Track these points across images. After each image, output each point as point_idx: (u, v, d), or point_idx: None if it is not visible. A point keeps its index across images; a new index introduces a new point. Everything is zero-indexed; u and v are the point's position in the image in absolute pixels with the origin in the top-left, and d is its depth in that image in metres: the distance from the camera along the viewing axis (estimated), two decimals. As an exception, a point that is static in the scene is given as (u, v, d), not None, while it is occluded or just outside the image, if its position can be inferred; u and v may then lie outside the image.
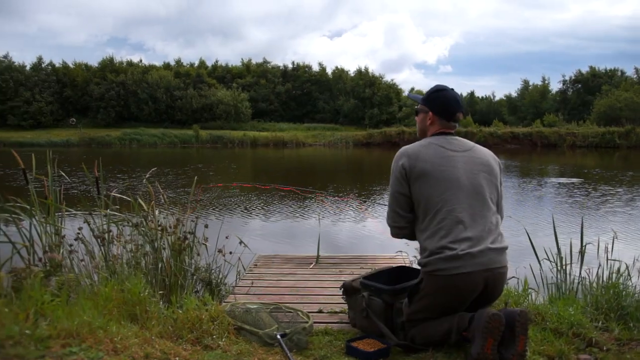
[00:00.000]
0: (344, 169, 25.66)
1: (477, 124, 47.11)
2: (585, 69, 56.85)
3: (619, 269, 3.34)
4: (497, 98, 69.37)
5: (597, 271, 3.52)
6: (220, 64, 60.32)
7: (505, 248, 2.50)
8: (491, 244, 2.40)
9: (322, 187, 16.02)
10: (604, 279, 3.39)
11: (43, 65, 54.75)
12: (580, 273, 3.73)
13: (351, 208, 11.47)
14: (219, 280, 3.87)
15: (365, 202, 11.89)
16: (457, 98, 2.67)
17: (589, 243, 3.79)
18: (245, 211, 10.68)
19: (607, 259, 3.69)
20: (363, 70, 54.65)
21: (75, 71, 54.08)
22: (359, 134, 44.37)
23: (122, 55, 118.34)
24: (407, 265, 3.78)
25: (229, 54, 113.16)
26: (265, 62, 59.05)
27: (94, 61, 68.19)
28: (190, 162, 25.40)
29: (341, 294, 3.13)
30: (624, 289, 3.20)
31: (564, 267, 3.77)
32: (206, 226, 3.92)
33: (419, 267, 2.75)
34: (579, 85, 56.60)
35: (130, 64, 56.53)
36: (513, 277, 3.47)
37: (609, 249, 3.78)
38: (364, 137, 43.34)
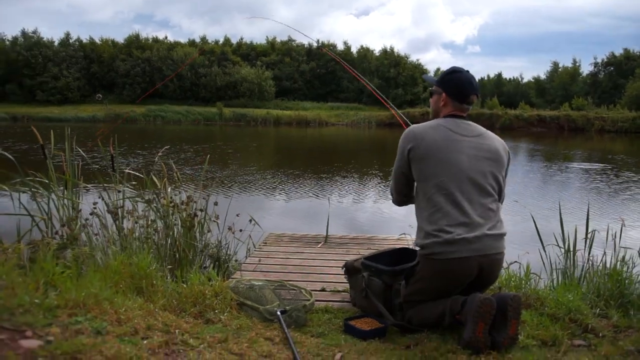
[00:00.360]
0: (366, 149, 25.64)
1: (503, 106, 46.34)
2: (619, 51, 55.21)
3: (624, 257, 3.33)
4: (525, 80, 68.14)
5: (602, 258, 3.51)
6: (245, 42, 60.33)
7: (503, 234, 2.52)
8: (488, 230, 2.42)
9: (344, 166, 16.11)
10: (609, 266, 3.38)
11: (71, 41, 55.50)
12: (587, 259, 3.72)
13: (366, 187, 11.51)
14: (227, 257, 3.97)
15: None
16: (471, 80, 2.65)
17: (596, 230, 3.78)
18: (259, 189, 10.80)
19: (615, 246, 3.68)
20: (388, 50, 54.09)
21: (102, 47, 54.68)
22: (382, 114, 44.08)
23: (148, 32, 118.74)
24: (410, 247, 3.82)
25: (255, 32, 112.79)
26: (290, 39, 58.87)
27: (120, 38, 68.77)
28: (212, 140, 25.64)
29: (343, 273, 3.19)
30: (628, 276, 3.19)
31: (569, 253, 3.77)
32: (216, 204, 4.02)
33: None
34: (612, 68, 55.01)
35: (155, 40, 56.89)
36: (515, 261, 3.48)
37: (617, 236, 3.76)
38: (387, 117, 43.04)
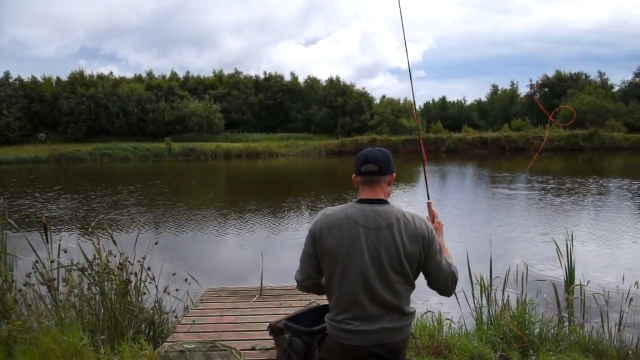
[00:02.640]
0: (317, 179, 25.99)
1: (448, 129, 47.97)
2: (551, 73, 58.47)
3: (525, 298, 3.67)
4: (468, 102, 70.82)
5: (507, 300, 3.85)
6: (192, 75, 60.17)
7: (404, 326, 2.54)
8: (388, 323, 2.48)
9: (297, 197, 16.35)
10: (514, 308, 3.72)
11: (10, 80, 53.92)
12: (493, 301, 4.05)
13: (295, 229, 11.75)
14: (163, 319, 4.09)
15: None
16: (369, 152, 2.66)
17: (510, 266, 4.13)
18: (196, 237, 10.81)
19: (522, 287, 4.05)
20: (334, 78, 55.24)
21: (44, 86, 53.36)
22: (331, 142, 44.77)
23: (94, 67, 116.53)
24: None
25: (204, 64, 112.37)
26: (237, 72, 59.21)
27: (65, 73, 67.43)
28: (156, 178, 25.30)
29: (269, 334, 3.39)
30: (528, 317, 3.54)
31: (484, 293, 4.10)
32: (149, 269, 4.13)
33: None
34: (546, 89, 58.14)
35: (100, 77, 56.00)
36: (429, 311, 3.77)
37: (525, 275, 4.13)
38: (337, 145, 43.75)
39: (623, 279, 4.19)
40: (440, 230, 2.74)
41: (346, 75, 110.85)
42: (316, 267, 2.71)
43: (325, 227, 2.65)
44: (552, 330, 3.54)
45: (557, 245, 4.24)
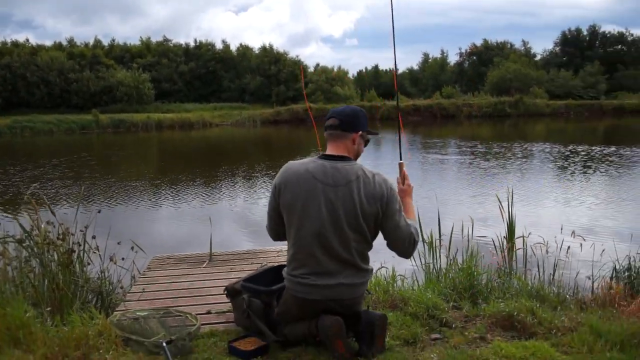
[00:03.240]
0: (253, 148, 25.73)
1: (382, 97, 48.65)
2: (479, 41, 60.40)
3: (472, 252, 3.83)
4: (400, 71, 71.90)
5: (456, 253, 4.01)
6: (118, 43, 57.20)
7: (361, 283, 2.60)
8: (344, 279, 2.53)
9: (232, 167, 16.12)
10: (462, 261, 3.88)
11: None
12: (447, 255, 4.22)
13: (249, 193, 11.66)
14: (111, 289, 3.95)
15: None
16: (338, 108, 2.68)
17: (454, 224, 4.28)
18: (143, 206, 10.52)
19: (468, 242, 4.22)
20: (268, 47, 54.35)
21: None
22: (266, 112, 44.26)
23: (7, 35, 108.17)
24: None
25: (129, 31, 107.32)
26: (166, 40, 56.87)
27: (-28, 41, 61.81)
28: (82, 151, 24.09)
29: (225, 296, 3.35)
30: (476, 268, 3.70)
31: (432, 250, 4.25)
32: (94, 237, 3.95)
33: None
34: (474, 57, 60.03)
35: (15, 44, 52.04)
36: (383, 267, 3.86)
37: (470, 232, 4.30)
38: (272, 115, 43.35)
39: (561, 229, 4.49)
40: (409, 192, 2.77)
41: (278, 44, 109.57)
42: (280, 220, 2.72)
43: (285, 181, 2.64)
44: (498, 280, 3.74)
45: (499, 201, 4.46)
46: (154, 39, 57.38)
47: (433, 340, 2.83)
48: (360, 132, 2.62)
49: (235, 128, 40.38)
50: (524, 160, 16.41)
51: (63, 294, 3.52)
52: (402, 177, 2.82)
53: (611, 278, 4.13)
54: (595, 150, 18.02)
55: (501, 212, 4.58)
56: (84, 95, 46.98)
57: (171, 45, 56.17)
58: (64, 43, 54.99)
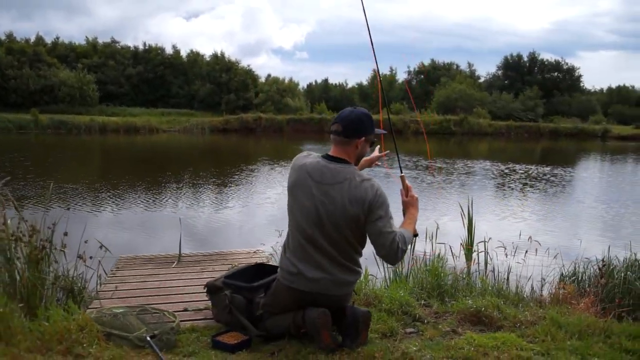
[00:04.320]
0: (200, 156, 25.44)
1: (332, 110, 49.25)
2: (427, 61, 62.43)
3: (438, 254, 4.06)
4: (349, 85, 73.08)
5: (423, 256, 4.23)
6: (62, 42, 55.20)
7: (348, 282, 2.71)
8: (329, 275, 2.66)
9: (177, 175, 15.90)
10: (428, 262, 4.10)
11: None
12: (411, 257, 4.43)
13: (214, 196, 11.60)
14: (82, 287, 3.89)
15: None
16: (344, 112, 2.75)
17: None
18: (102, 208, 10.26)
19: (432, 244, 4.45)
20: (219, 54, 53.95)
21: None
22: (215, 119, 43.79)
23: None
24: (265, 262, 4.15)
25: (74, 30, 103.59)
26: (114, 41, 55.41)
27: None
28: (16, 151, 23.04)
29: (205, 293, 3.40)
30: (442, 270, 3.92)
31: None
32: (65, 234, 3.89)
33: (275, 264, 3.15)
34: (422, 76, 61.95)
35: (-53, 37, 49.28)
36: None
37: (434, 235, 4.54)
38: (221, 123, 42.92)
39: (520, 235, 4.81)
40: (412, 203, 2.85)
41: (229, 52, 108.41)
42: None
43: (290, 172, 2.82)
44: (462, 280, 3.97)
45: (461, 208, 4.73)
46: (100, 40, 55.75)
47: (408, 333, 3.00)
48: (364, 138, 2.73)
49: (183, 135, 39.70)
50: (466, 175, 17.07)
51: (33, 291, 3.45)
52: (406, 189, 2.90)
53: (560, 280, 4.48)
54: (532, 169, 19.05)
55: (462, 219, 4.86)
56: (23, 93, 44.91)
57: (119, 47, 54.77)
58: (2, 37, 52.47)
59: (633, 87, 69.79)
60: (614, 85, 70.82)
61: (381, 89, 3.43)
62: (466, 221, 4.85)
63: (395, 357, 2.54)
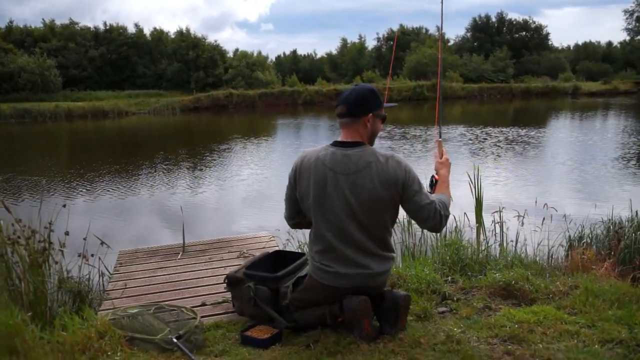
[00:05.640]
0: (173, 136, 24.94)
1: (303, 82, 48.71)
2: (395, 27, 61.96)
3: (456, 228, 3.98)
4: (318, 56, 72.27)
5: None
6: (17, 26, 52.84)
7: (384, 272, 2.59)
8: (366, 268, 2.53)
9: (151, 157, 15.53)
10: (446, 236, 4.02)
11: None
12: (422, 232, 4.34)
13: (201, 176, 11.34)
14: (89, 288, 3.70)
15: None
16: (343, 93, 2.62)
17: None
18: (85, 200, 9.92)
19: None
20: (184, 31, 52.43)
21: None
22: (185, 98, 42.79)
23: None
24: (282, 249, 4.02)
25: (27, 13, 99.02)
26: (73, 23, 53.16)
27: None
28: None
29: (225, 285, 3.26)
30: (460, 244, 3.85)
31: (410, 228, 4.36)
32: (67, 233, 3.67)
33: (294, 250, 3.00)
34: (391, 43, 61.49)
35: None
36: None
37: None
38: (191, 101, 41.98)
39: (535, 202, 4.77)
40: (447, 164, 2.79)
41: (192, 28, 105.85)
42: (296, 209, 2.70)
43: (299, 170, 2.62)
44: (482, 252, 3.91)
45: (469, 176, 4.64)
46: (58, 22, 53.50)
47: (441, 313, 2.92)
48: (371, 114, 2.59)
49: (154, 116, 38.78)
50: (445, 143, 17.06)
51: (40, 296, 3.26)
52: (440, 153, 2.84)
53: (571, 244, 4.48)
54: (509, 132, 19.18)
55: (471, 189, 4.78)
56: (-20, 82, 43.11)
57: (78, 28, 52.59)
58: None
59: (599, 42, 70.98)
60: (580, 42, 71.86)
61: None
62: (474, 191, 4.77)
63: (440, 340, 2.45)
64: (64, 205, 3.92)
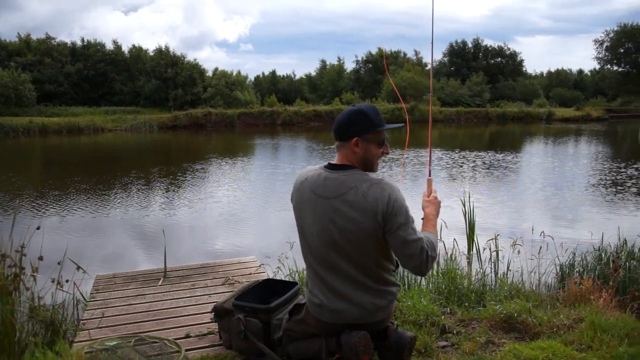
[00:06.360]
0: (150, 154, 24.54)
1: (282, 102, 48.73)
2: (374, 50, 62.74)
3: (451, 256, 3.85)
4: (297, 77, 72.71)
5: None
6: (-8, 39, 51.84)
7: (380, 307, 2.37)
8: (354, 304, 2.34)
9: (128, 175, 15.17)
10: (440, 265, 3.88)
11: None
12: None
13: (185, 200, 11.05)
14: (63, 317, 3.44)
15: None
16: (341, 115, 2.44)
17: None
18: (57, 220, 9.54)
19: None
20: (164, 49, 52.09)
21: None
22: (163, 116, 42.38)
23: None
24: (272, 278, 3.83)
25: (1, 27, 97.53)
26: (49, 38, 52.43)
27: None
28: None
29: (212, 316, 3.06)
30: (455, 272, 3.72)
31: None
32: (40, 258, 3.42)
33: (283, 280, 2.82)
34: (370, 65, 62.21)
35: None
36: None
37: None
38: (169, 119, 41.59)
39: (532, 230, 4.67)
40: (435, 203, 2.56)
41: (173, 46, 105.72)
42: None
43: (293, 190, 2.50)
44: (477, 282, 3.78)
45: (462, 204, 4.54)
46: (34, 37, 52.69)
47: (443, 348, 2.77)
48: (358, 137, 2.35)
49: (131, 133, 38.22)
50: (419, 167, 17.02)
51: (10, 328, 3.00)
52: (429, 192, 2.62)
53: (563, 272, 4.39)
54: (486, 156, 19.35)
55: (464, 216, 4.68)
56: (-49, 95, 41.97)
57: (55, 44, 51.89)
58: None
59: (570, 70, 73.13)
60: (552, 69, 73.94)
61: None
62: (466, 216, 4.67)
63: (447, 380, 2.29)
64: (38, 228, 3.68)
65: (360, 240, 2.27)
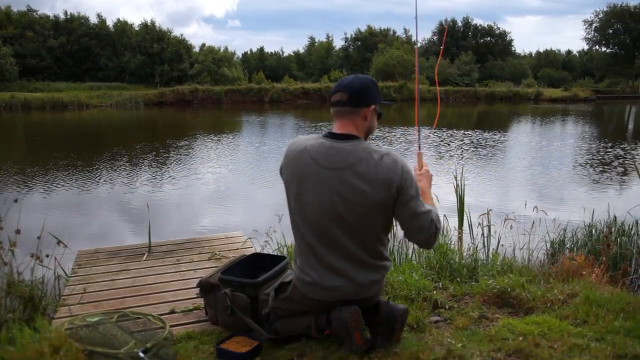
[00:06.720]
0: (136, 130, 24.19)
1: (269, 80, 48.25)
2: (363, 27, 62.13)
3: (443, 231, 3.78)
4: (285, 54, 71.98)
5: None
6: (-29, 12, 50.43)
7: (374, 282, 2.31)
8: (350, 280, 2.26)
9: (112, 151, 14.93)
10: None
11: None
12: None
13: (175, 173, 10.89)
14: (42, 293, 3.33)
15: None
16: (344, 79, 2.35)
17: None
18: (39, 194, 9.33)
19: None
20: (149, 23, 51.09)
21: None
22: (149, 92, 41.73)
23: None
24: (260, 252, 3.74)
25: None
26: (31, 10, 51.14)
27: None
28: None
29: (197, 292, 2.96)
30: (447, 247, 3.65)
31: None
32: (18, 232, 3.29)
33: (271, 254, 2.71)
34: (359, 43, 61.71)
35: None
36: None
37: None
38: (156, 96, 40.96)
39: (525, 206, 4.63)
40: (427, 176, 2.49)
41: (159, 21, 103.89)
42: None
43: (286, 159, 2.35)
44: (469, 257, 3.73)
45: (455, 179, 4.47)
46: (15, 9, 51.34)
47: (435, 323, 2.71)
48: (373, 106, 2.33)
49: (116, 110, 37.62)
50: (406, 145, 16.96)
51: (-14, 302, 2.88)
52: (420, 165, 2.55)
53: (556, 251, 4.36)
54: (473, 135, 19.34)
55: (455, 190, 4.61)
56: None
57: (37, 16, 50.64)
58: None
59: (559, 50, 73.22)
60: (541, 50, 73.92)
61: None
62: (458, 192, 4.60)
63: (440, 355, 2.22)
64: (16, 200, 3.55)
65: (367, 213, 2.19)
